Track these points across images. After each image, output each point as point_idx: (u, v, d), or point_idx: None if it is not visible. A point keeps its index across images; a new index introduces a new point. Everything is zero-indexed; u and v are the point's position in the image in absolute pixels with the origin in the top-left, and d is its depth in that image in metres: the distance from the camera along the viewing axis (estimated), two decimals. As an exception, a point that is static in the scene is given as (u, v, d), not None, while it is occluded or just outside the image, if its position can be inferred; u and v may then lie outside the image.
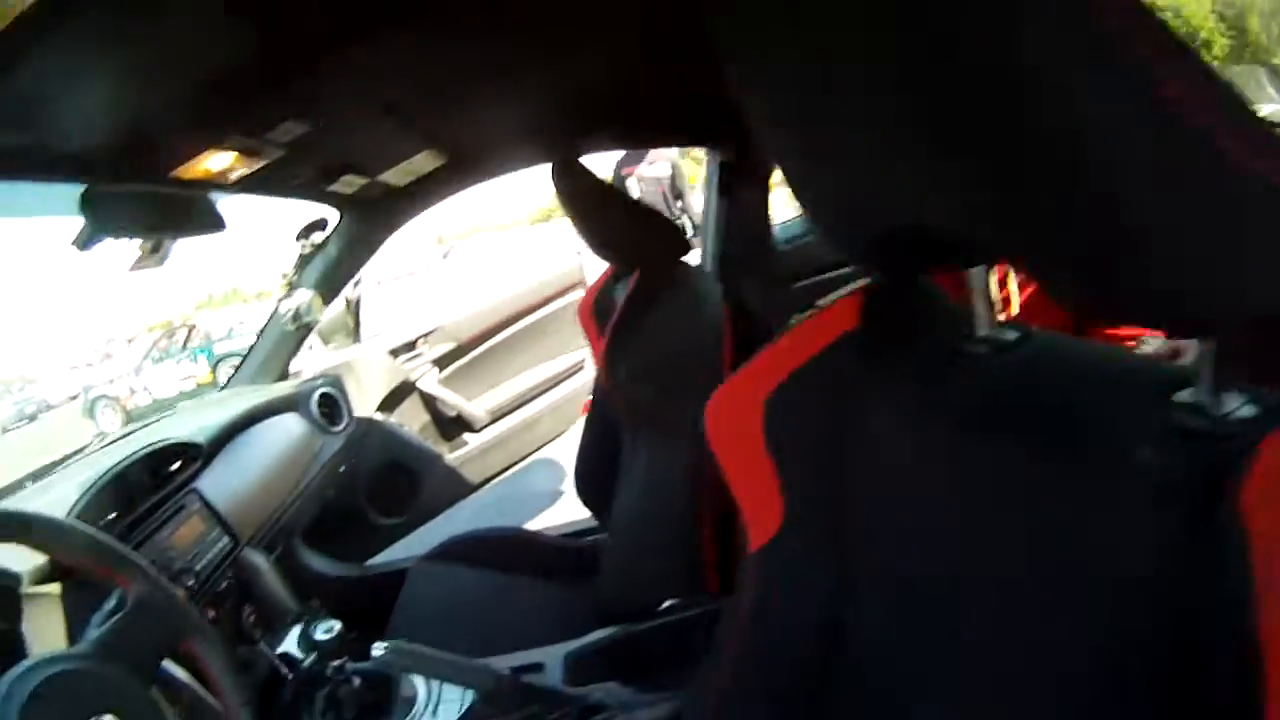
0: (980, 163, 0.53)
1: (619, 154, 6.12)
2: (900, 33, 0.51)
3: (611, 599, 1.77)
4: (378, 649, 1.30)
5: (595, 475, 2.23)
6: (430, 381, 3.11)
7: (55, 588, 1.27)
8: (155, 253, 1.60)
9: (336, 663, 1.39)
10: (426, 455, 3.00)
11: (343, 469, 2.52)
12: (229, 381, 2.53)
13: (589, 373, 3.61)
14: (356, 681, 1.40)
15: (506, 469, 3.43)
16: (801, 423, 0.88)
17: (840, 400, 0.86)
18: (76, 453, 1.93)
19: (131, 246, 1.57)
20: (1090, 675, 0.62)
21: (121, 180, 1.26)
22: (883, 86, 0.56)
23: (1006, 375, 0.74)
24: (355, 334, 2.88)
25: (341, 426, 2.56)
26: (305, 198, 1.98)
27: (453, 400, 3.15)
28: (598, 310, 2.12)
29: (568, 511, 2.54)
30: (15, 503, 1.55)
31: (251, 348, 2.52)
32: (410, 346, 3.10)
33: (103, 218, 1.23)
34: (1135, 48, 0.43)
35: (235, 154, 1.28)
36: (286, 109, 1.23)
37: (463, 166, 2.09)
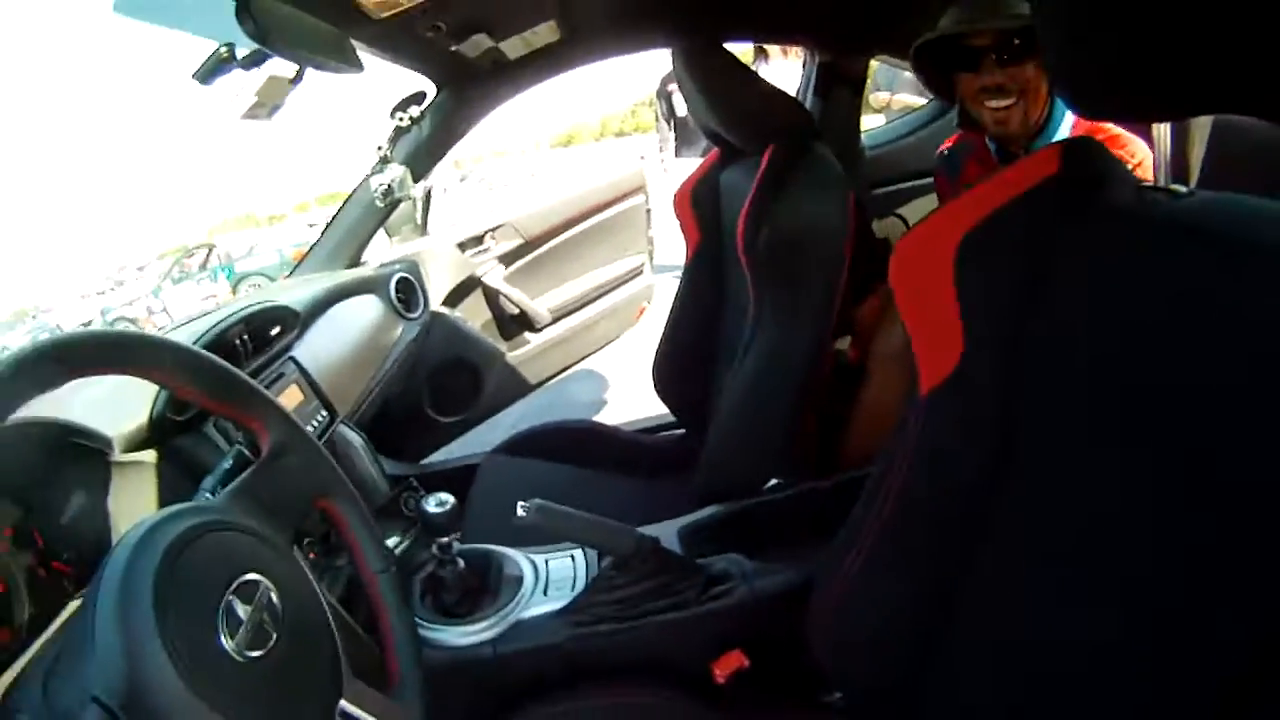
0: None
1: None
2: None
3: (715, 480, 1.75)
4: (521, 509, 1.25)
5: (679, 370, 2.23)
6: (496, 278, 3.07)
7: (150, 455, 1.17)
8: (266, 105, 1.54)
9: (444, 540, 1.35)
10: (490, 352, 2.98)
11: (405, 367, 2.50)
12: (299, 265, 2.48)
13: (648, 278, 3.60)
14: (461, 563, 1.37)
15: (563, 370, 3.41)
16: (994, 261, 0.91)
17: (1037, 238, 0.88)
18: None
19: (240, 97, 1.52)
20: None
21: None
22: None
23: (1192, 210, 0.77)
24: (423, 227, 2.81)
25: (417, 314, 2.54)
26: (423, 60, 1.95)
27: (517, 297, 3.10)
28: (695, 199, 2.10)
29: (621, 414, 2.52)
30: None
31: (324, 231, 2.47)
32: (478, 240, 3.04)
33: (261, 25, 1.16)
34: None
35: None
36: None
37: (578, 43, 2.06)
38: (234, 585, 0.76)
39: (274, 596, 0.79)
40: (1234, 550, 0.68)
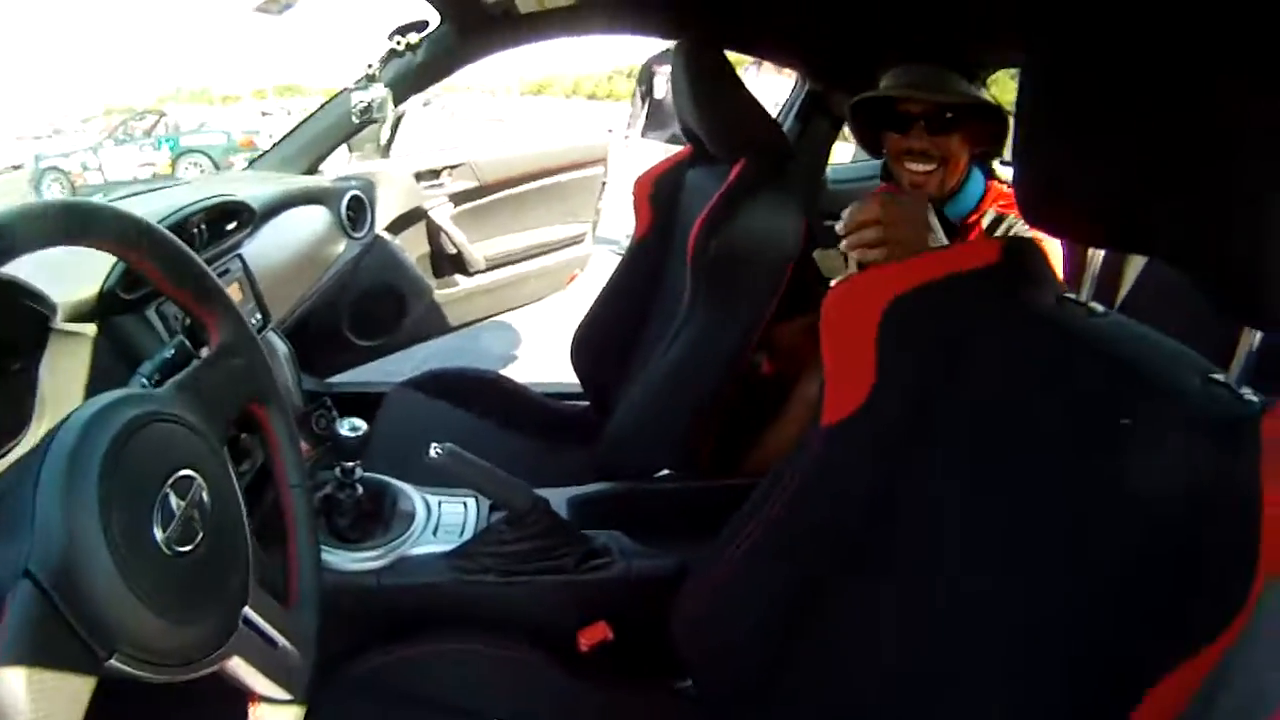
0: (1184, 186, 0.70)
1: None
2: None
3: (612, 458, 1.82)
4: (433, 450, 1.30)
5: (598, 346, 2.30)
6: (443, 214, 3.08)
7: (90, 328, 1.19)
8: (277, 3, 1.56)
9: (349, 465, 1.39)
10: (419, 285, 2.99)
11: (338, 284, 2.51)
12: (258, 159, 2.48)
13: (586, 248, 3.64)
14: (360, 489, 1.41)
15: (484, 319, 3.45)
16: (916, 328, 1.00)
17: (962, 316, 0.97)
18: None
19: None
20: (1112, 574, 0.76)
21: None
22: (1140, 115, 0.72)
23: (1099, 331, 0.87)
24: (386, 150, 2.81)
25: (362, 234, 2.54)
26: None
27: (458, 238, 3.12)
28: (657, 187, 2.17)
29: (526, 374, 2.57)
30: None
31: (289, 133, 2.46)
32: (435, 174, 3.03)
33: None
34: None
35: None
36: None
37: (590, 13, 2.09)
38: (172, 479, 0.78)
39: (205, 495, 0.81)
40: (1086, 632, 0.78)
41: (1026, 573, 0.85)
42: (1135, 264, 2.11)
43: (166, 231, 0.93)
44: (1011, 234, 1.62)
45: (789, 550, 1.11)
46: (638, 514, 1.62)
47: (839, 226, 1.45)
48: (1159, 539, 0.71)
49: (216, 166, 12.58)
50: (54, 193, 12.92)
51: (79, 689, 0.66)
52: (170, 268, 0.93)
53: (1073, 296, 0.95)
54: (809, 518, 1.09)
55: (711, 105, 1.84)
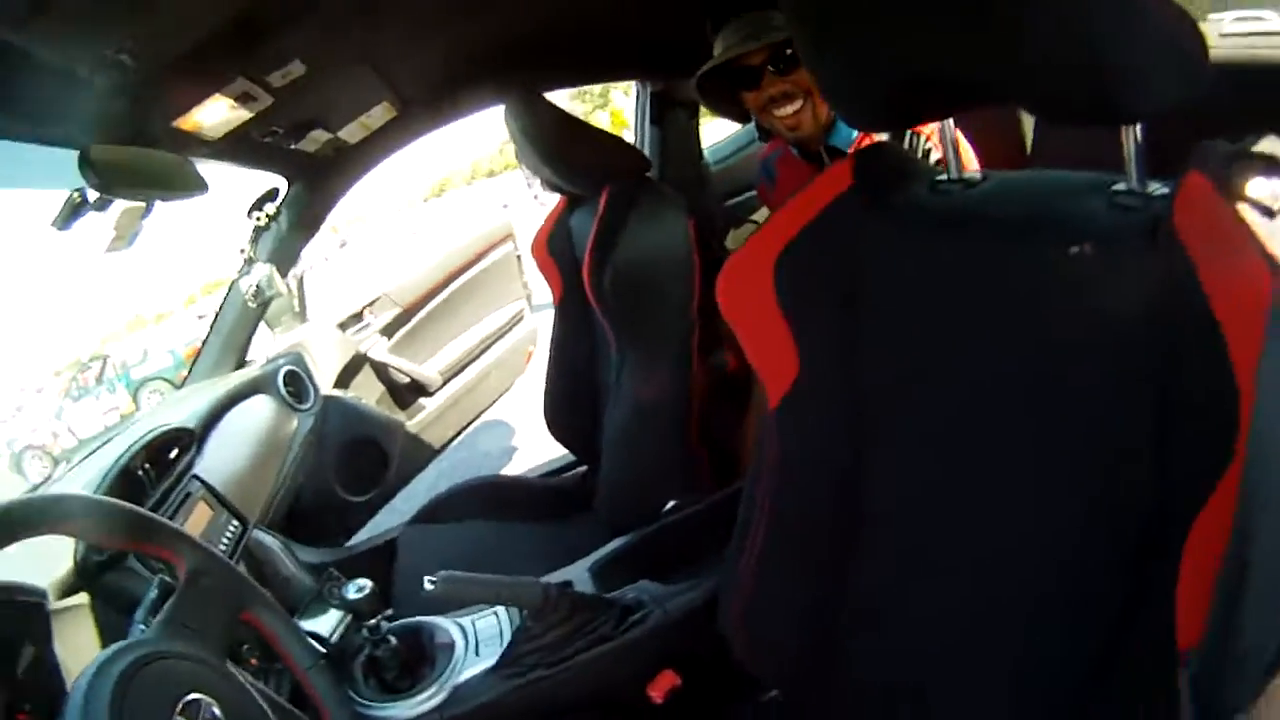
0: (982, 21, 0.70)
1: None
2: None
3: (615, 513, 1.83)
4: (428, 582, 1.30)
5: (566, 409, 2.30)
6: (381, 350, 3.09)
7: (83, 598, 1.23)
8: (125, 235, 1.58)
9: (371, 622, 1.40)
10: (389, 426, 2.98)
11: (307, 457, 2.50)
12: (189, 376, 2.48)
13: (529, 322, 3.66)
14: (393, 640, 1.41)
15: (464, 429, 3.44)
16: (810, 275, 1.01)
17: (844, 248, 0.98)
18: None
19: (99, 233, 1.55)
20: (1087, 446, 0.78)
21: (121, 137, 1.25)
22: None
23: (982, 197, 0.89)
24: (302, 314, 2.83)
25: (309, 405, 2.54)
26: (267, 162, 1.98)
27: (406, 367, 3.13)
28: (552, 246, 2.17)
29: (531, 458, 2.57)
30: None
31: (203, 344, 2.48)
32: (358, 318, 3.08)
33: (102, 176, 1.22)
34: None
35: (231, 101, 1.28)
36: (290, 48, 1.24)
37: (415, 115, 2.11)
38: (179, 707, 0.83)
39: (216, 710, 0.86)
40: (1077, 494, 0.80)
41: (1018, 458, 0.86)
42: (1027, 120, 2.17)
43: (97, 499, 0.99)
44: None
45: (791, 541, 1.12)
46: (660, 555, 1.62)
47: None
48: (1129, 378, 0.73)
49: (175, 386, 12.57)
50: (36, 468, 12.97)
51: None
52: (114, 528, 0.98)
53: (945, 178, 0.95)
54: (795, 504, 1.09)
55: (556, 151, 1.85)
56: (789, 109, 1.68)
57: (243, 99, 1.29)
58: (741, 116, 1.84)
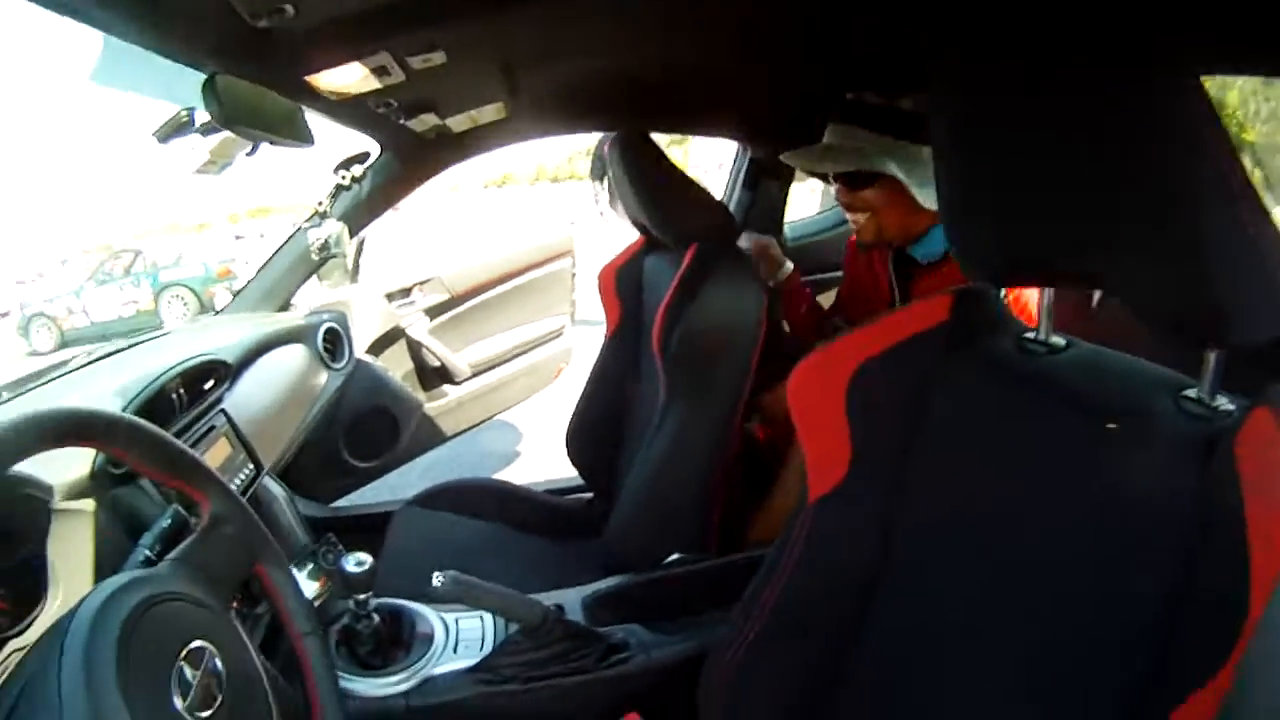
0: (1109, 213, 0.74)
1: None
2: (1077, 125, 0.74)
3: (621, 549, 1.83)
4: (436, 579, 1.31)
5: (591, 437, 2.31)
6: (420, 330, 3.12)
7: (89, 504, 1.21)
8: (218, 163, 1.61)
9: (361, 597, 1.40)
10: (409, 402, 3.01)
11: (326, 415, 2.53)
12: (230, 304, 2.51)
13: (568, 340, 3.68)
14: (376, 619, 1.43)
15: (479, 424, 3.46)
16: (881, 393, 1.02)
17: (921, 378, 1.00)
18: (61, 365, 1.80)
19: (193, 154, 1.58)
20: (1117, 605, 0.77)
21: (249, 74, 1.27)
22: (1055, 149, 0.76)
23: (1063, 365, 0.91)
24: (354, 275, 2.85)
25: (342, 365, 2.56)
26: (372, 128, 2.01)
27: (439, 350, 3.16)
28: (620, 278, 2.20)
29: (529, 470, 2.57)
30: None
31: (254, 276, 2.51)
32: (406, 293, 3.10)
33: (224, 106, 1.22)
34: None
35: (366, 71, 1.30)
36: (441, 39, 1.26)
37: (521, 121, 2.12)
38: (184, 653, 0.83)
39: (218, 661, 0.86)
40: (1065, 666, 0.81)
41: (1025, 613, 0.87)
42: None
43: (140, 422, 0.96)
44: None
45: (799, 627, 1.12)
46: (652, 603, 1.62)
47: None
48: (1149, 568, 0.74)
49: (199, 298, 12.55)
50: (42, 338, 13.16)
51: None
52: (150, 455, 0.97)
53: (1031, 336, 0.97)
54: (811, 593, 1.10)
55: (654, 197, 1.88)
56: (854, 217, 1.74)
57: (379, 71, 1.30)
58: None
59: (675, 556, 1.75)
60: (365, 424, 2.81)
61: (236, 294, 2.51)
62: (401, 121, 1.74)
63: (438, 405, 3.25)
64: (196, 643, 0.85)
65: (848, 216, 1.76)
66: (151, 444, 0.97)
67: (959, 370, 0.98)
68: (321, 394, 2.38)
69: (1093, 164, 0.74)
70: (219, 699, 0.84)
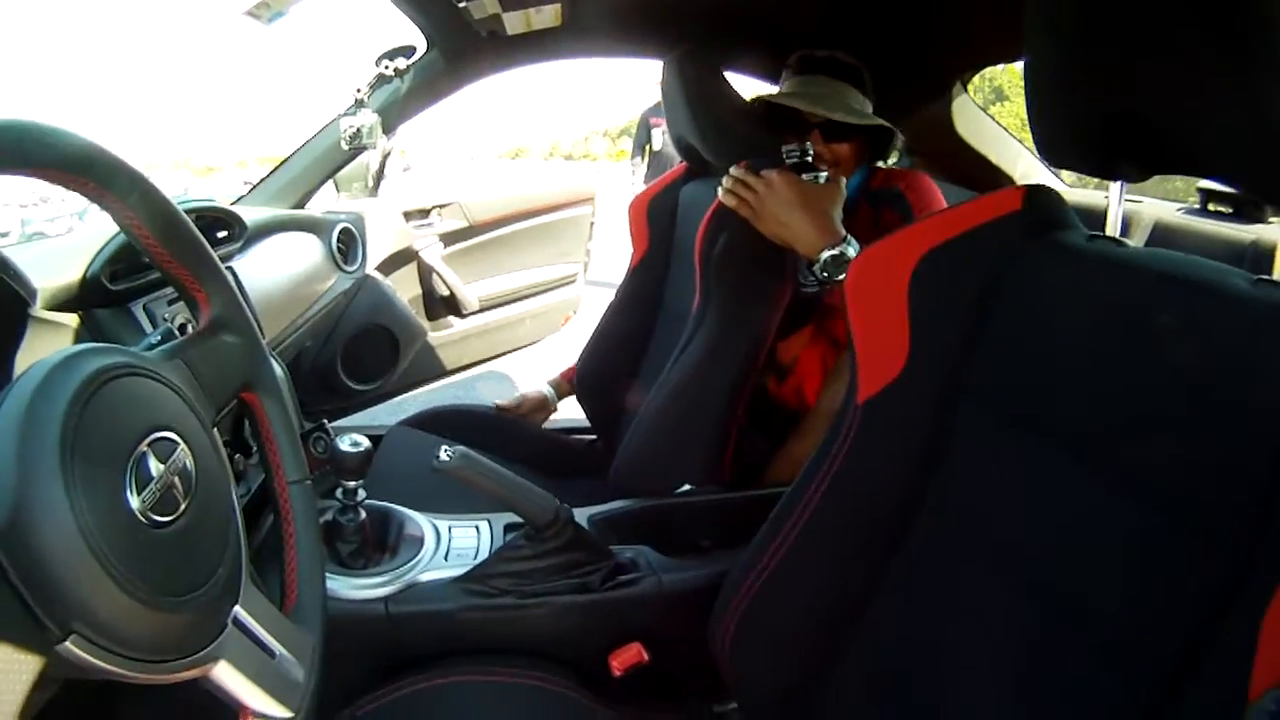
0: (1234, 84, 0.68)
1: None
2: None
3: (628, 479, 1.74)
4: (443, 453, 1.21)
5: (603, 373, 2.23)
6: (433, 255, 3.04)
7: (71, 319, 1.10)
8: (270, 8, 1.54)
9: (351, 485, 1.31)
10: (412, 327, 2.92)
11: (329, 319, 2.47)
12: (248, 194, 2.39)
13: (579, 288, 3.62)
14: (363, 514, 1.33)
15: (480, 361, 3.39)
16: (949, 280, 0.99)
17: (994, 262, 0.97)
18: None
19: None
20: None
21: None
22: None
23: (1136, 254, 0.87)
24: (374, 189, 2.75)
25: (354, 268, 2.50)
26: (423, 9, 1.93)
27: (450, 279, 3.08)
28: (652, 209, 2.14)
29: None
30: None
31: (278, 166, 2.40)
32: (424, 214, 3.02)
33: None
34: None
35: None
36: None
37: (577, 34, 2.07)
38: (150, 438, 0.67)
39: (189, 463, 0.71)
40: (1144, 549, 0.74)
41: (1089, 518, 0.81)
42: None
43: (163, 192, 0.83)
44: None
45: (831, 543, 1.07)
46: (663, 530, 1.54)
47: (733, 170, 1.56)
48: (1246, 439, 0.69)
49: (203, 232, 12.59)
50: None
51: (22, 672, 0.55)
52: (163, 229, 0.83)
53: (1101, 234, 0.94)
54: (850, 502, 1.05)
55: (706, 112, 1.81)
56: (811, 175, 1.66)
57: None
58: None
59: (686, 488, 1.68)
60: (365, 342, 2.72)
61: (255, 184, 2.40)
62: (462, 3, 1.65)
63: (441, 335, 3.17)
64: (168, 432, 0.70)
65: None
66: (164, 213, 0.83)
67: (1033, 256, 0.95)
68: (328, 291, 2.32)
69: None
70: (182, 506, 0.68)
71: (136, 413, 0.68)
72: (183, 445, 0.71)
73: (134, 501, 0.63)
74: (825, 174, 1.54)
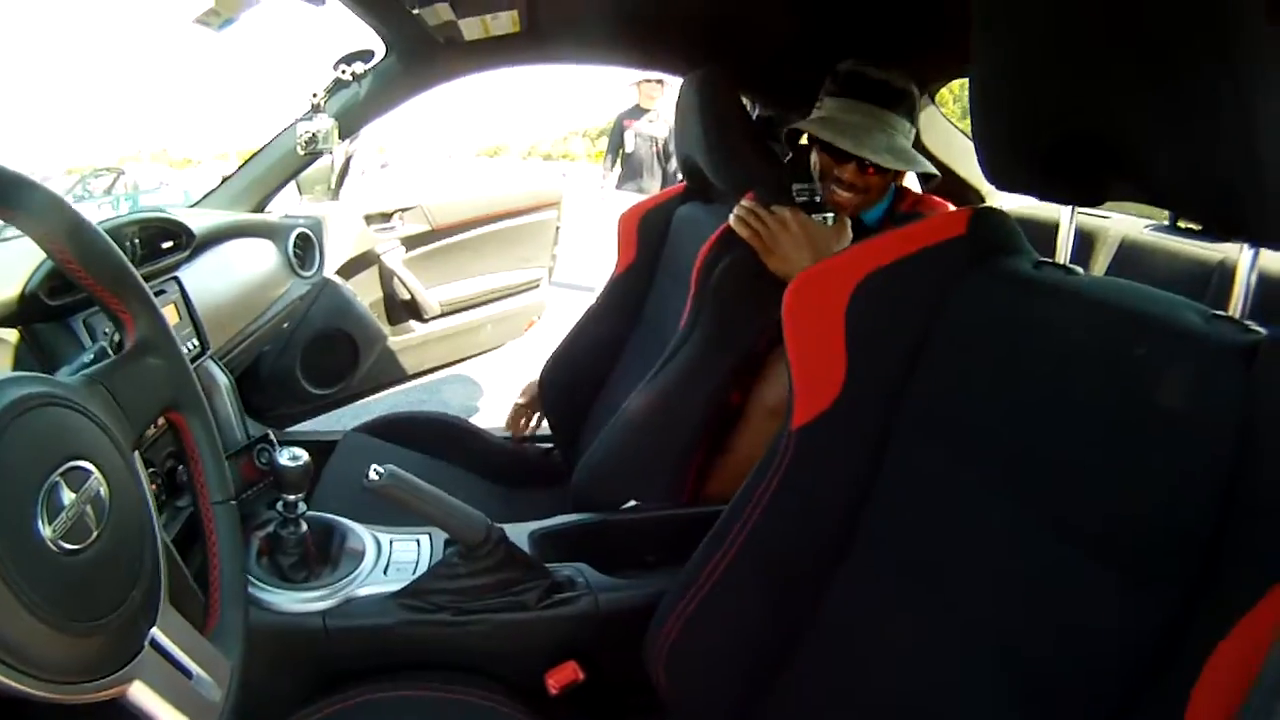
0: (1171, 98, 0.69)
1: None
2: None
3: (588, 494, 1.73)
4: (372, 472, 1.20)
5: (567, 378, 2.22)
6: (395, 259, 3.03)
7: (11, 335, 1.11)
8: (221, 15, 1.52)
9: (291, 498, 1.30)
10: (372, 332, 2.90)
11: (286, 325, 2.44)
12: (206, 197, 2.37)
13: (543, 293, 3.61)
14: (304, 526, 1.32)
15: (441, 367, 3.37)
16: (888, 305, 0.99)
17: (933, 288, 0.96)
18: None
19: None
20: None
21: None
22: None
23: (1083, 284, 0.87)
24: (336, 192, 2.73)
25: (310, 274, 2.48)
26: (381, 15, 1.91)
27: (411, 283, 3.07)
28: (644, 222, 2.14)
29: (497, 423, 2.48)
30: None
31: (236, 170, 2.38)
32: (385, 218, 3.00)
33: None
34: None
35: None
36: None
37: (536, 42, 2.07)
38: (64, 467, 0.68)
39: (103, 491, 0.72)
40: (1076, 592, 0.75)
41: (1021, 556, 0.82)
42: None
43: (85, 218, 0.83)
44: None
45: (768, 565, 1.06)
46: (607, 546, 1.53)
47: (745, 201, 1.56)
48: (1189, 481, 0.69)
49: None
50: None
51: None
52: (85, 253, 0.83)
53: (1050, 261, 0.94)
54: (786, 525, 1.05)
55: (720, 138, 1.80)
56: (845, 195, 1.69)
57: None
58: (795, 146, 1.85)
59: (632, 504, 1.67)
60: (324, 346, 2.70)
61: (214, 189, 2.38)
62: (415, 10, 1.64)
63: (402, 340, 3.16)
64: (81, 461, 0.71)
65: (833, 192, 1.71)
66: (85, 238, 0.84)
67: (978, 282, 0.95)
68: (283, 297, 2.29)
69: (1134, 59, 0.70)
70: (93, 535, 0.69)
71: (51, 443, 0.69)
72: (97, 474, 0.71)
73: (45, 530, 0.65)
74: (833, 215, 1.55)
